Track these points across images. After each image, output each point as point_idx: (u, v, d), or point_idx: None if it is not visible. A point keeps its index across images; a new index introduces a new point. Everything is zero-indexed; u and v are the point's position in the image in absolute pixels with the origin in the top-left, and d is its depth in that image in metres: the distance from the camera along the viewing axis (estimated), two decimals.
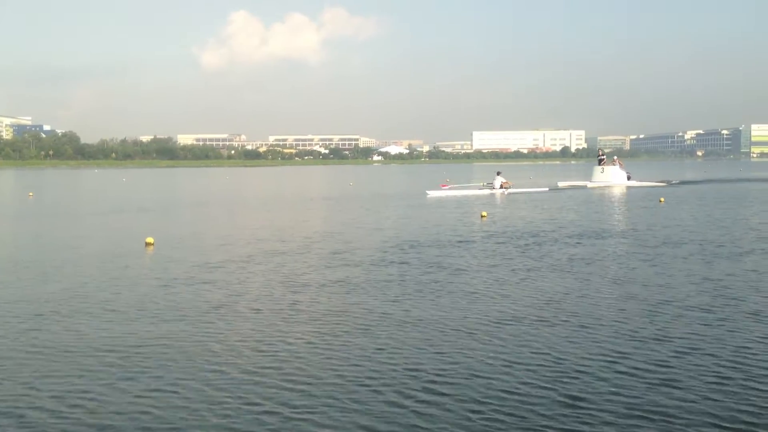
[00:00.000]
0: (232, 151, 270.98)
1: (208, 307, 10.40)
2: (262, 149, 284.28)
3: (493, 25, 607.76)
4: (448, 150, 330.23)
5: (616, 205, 32.65)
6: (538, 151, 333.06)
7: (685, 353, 7.75)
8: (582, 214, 27.04)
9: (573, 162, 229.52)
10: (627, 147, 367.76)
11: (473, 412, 6.15)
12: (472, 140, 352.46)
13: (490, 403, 6.33)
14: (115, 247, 17.69)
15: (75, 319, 9.73)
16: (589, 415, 6.03)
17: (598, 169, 51.38)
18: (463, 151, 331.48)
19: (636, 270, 13.31)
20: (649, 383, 6.78)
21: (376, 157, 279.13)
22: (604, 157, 53.08)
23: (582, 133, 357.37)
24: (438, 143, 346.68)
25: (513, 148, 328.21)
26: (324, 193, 50.05)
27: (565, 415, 6.03)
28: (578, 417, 5.99)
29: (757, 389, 6.59)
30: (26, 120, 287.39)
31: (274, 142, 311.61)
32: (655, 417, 5.96)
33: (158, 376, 7.22)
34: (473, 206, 31.44)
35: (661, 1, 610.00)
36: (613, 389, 6.63)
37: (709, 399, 6.36)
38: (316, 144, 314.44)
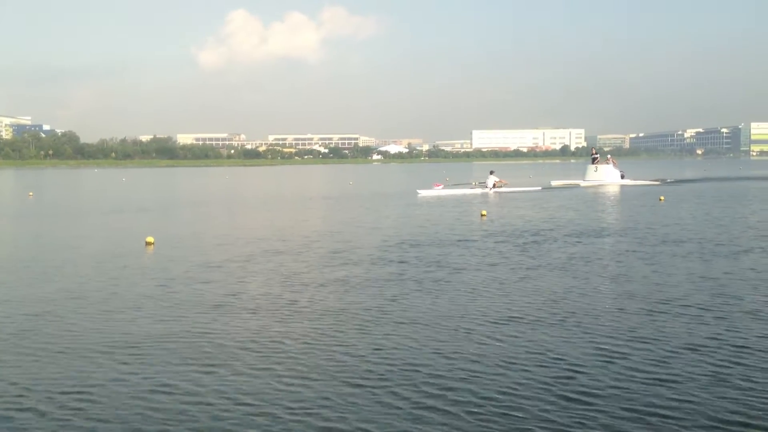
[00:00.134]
0: (232, 151, 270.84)
1: (208, 307, 10.42)
2: (262, 149, 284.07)
3: (493, 24, 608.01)
4: (448, 149, 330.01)
5: (615, 204, 32.64)
6: (537, 149, 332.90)
7: (684, 352, 7.76)
8: (581, 212, 27.05)
9: (573, 161, 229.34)
10: (627, 146, 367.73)
11: (471, 412, 6.17)
12: (471, 139, 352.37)
13: (489, 403, 6.35)
14: (116, 247, 17.71)
15: (74, 319, 9.74)
16: (588, 414, 6.04)
17: (591, 168, 51.18)
18: (462, 150, 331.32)
19: (635, 269, 13.33)
20: (648, 382, 6.79)
21: (375, 157, 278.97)
22: (598, 155, 53.05)
23: (582, 131, 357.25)
24: (437, 142, 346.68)
25: (513, 147, 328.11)
26: (324, 192, 50.06)
27: (563, 415, 6.05)
28: (576, 416, 6.01)
29: (756, 388, 6.59)
30: (26, 120, 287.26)
31: (273, 142, 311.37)
32: (654, 416, 5.98)
33: (157, 375, 7.23)
34: (473, 205, 31.47)
35: (661, 0, 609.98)
36: (612, 388, 6.65)
37: (708, 398, 6.37)
38: (315, 143, 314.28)
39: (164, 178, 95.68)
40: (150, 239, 18.12)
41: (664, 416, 5.97)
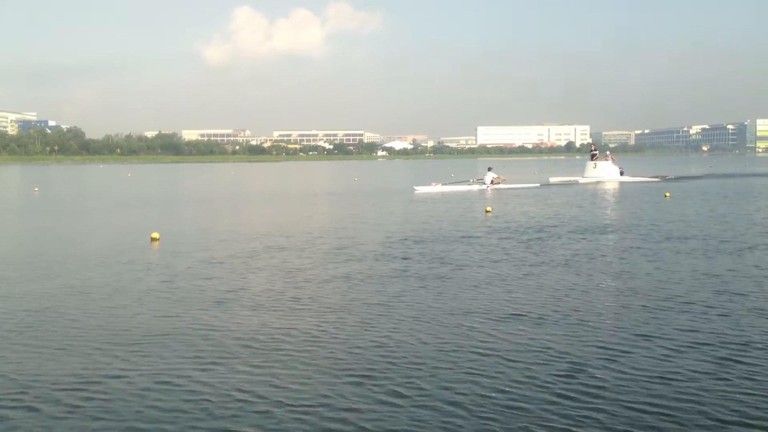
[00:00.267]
0: (237, 147, 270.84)
1: (213, 302, 10.46)
2: (267, 144, 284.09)
3: (497, 19, 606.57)
4: (453, 145, 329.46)
5: (620, 200, 32.56)
6: (542, 146, 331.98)
7: (688, 349, 7.76)
8: (586, 209, 27.03)
9: (578, 157, 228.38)
10: (632, 142, 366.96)
11: (474, 408, 6.18)
12: (476, 135, 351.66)
13: (492, 400, 6.36)
14: (121, 243, 17.77)
15: (78, 315, 9.80)
16: (590, 411, 6.05)
17: (590, 164, 50.95)
18: (467, 147, 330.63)
19: (639, 265, 13.32)
20: (652, 380, 6.80)
21: (380, 153, 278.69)
22: (597, 152, 52.95)
23: (587, 128, 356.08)
24: (442, 138, 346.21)
25: (518, 143, 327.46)
26: (328, 188, 50.10)
27: (566, 411, 6.06)
28: (579, 413, 6.02)
29: (761, 386, 6.59)
30: (31, 115, 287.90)
31: (278, 138, 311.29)
32: (657, 413, 5.99)
33: (161, 371, 7.26)
34: (477, 201, 31.46)
35: None
36: (615, 385, 6.65)
37: (712, 396, 6.37)
38: (320, 139, 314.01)
39: (169, 173, 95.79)
40: (155, 235, 18.17)
41: (667, 414, 5.97)
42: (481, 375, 6.99)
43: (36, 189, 49.50)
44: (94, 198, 41.68)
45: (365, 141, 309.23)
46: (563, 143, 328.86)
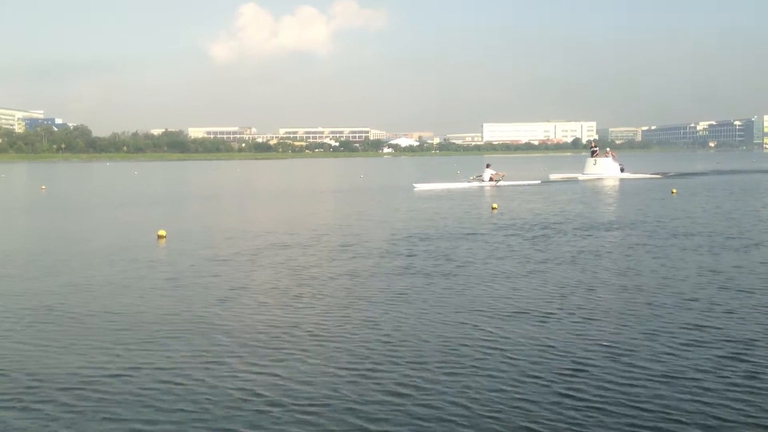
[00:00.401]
0: (243, 144, 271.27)
1: (219, 300, 10.50)
2: (273, 142, 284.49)
3: (505, 15, 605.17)
4: (459, 142, 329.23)
5: (625, 197, 32.44)
6: (549, 142, 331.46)
7: (693, 347, 7.74)
8: (592, 206, 27.01)
9: (584, 153, 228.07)
10: (639, 138, 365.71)
11: (477, 404, 6.20)
12: (482, 132, 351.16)
13: (494, 397, 6.38)
14: (128, 240, 17.86)
15: (83, 312, 9.84)
16: (593, 409, 6.06)
17: (590, 161, 50.62)
18: (473, 143, 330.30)
19: (644, 262, 13.30)
20: (655, 378, 6.79)
21: (386, 150, 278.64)
22: (597, 149, 52.57)
23: (593, 124, 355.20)
24: (448, 135, 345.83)
25: (524, 140, 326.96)
26: (334, 185, 50.14)
27: (569, 408, 6.07)
28: (582, 410, 6.03)
29: (764, 385, 6.58)
30: (38, 113, 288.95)
31: (284, 135, 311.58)
32: (660, 410, 5.99)
33: (164, 369, 7.29)
34: (483, 198, 31.47)
35: None
36: (619, 383, 6.66)
37: (716, 392, 6.37)
38: (326, 136, 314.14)
39: (176, 171, 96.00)
40: (162, 232, 18.26)
41: (671, 410, 5.98)
42: (486, 372, 7.00)
43: (43, 187, 49.69)
44: (101, 196, 41.82)
45: (371, 138, 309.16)
46: (570, 140, 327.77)
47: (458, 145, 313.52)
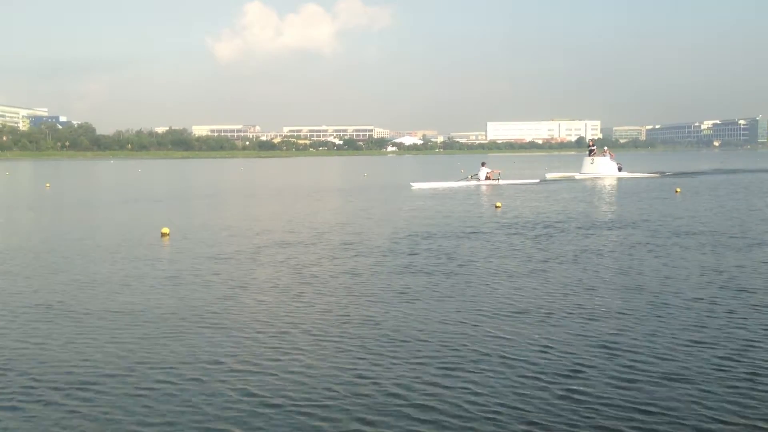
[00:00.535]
0: (247, 142, 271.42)
1: (223, 297, 10.52)
2: (277, 140, 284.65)
3: (510, 14, 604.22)
4: (463, 141, 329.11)
5: (628, 196, 32.39)
6: (553, 141, 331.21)
7: (695, 346, 7.74)
8: (594, 204, 27.00)
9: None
10: (643, 137, 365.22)
11: (477, 404, 6.22)
12: (486, 131, 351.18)
13: (495, 395, 6.39)
14: (131, 238, 17.88)
15: (85, 309, 9.86)
16: (594, 408, 6.07)
17: (588, 160, 50.29)
18: (477, 142, 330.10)
19: (646, 261, 13.28)
20: (656, 376, 6.80)
21: (390, 148, 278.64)
22: (595, 147, 52.06)
23: (597, 123, 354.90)
24: (452, 134, 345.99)
25: (528, 139, 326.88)
26: (338, 184, 50.15)
27: (569, 408, 6.08)
28: (583, 409, 6.04)
29: (765, 384, 6.58)
30: (42, 111, 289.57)
31: (288, 133, 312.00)
32: (661, 410, 5.99)
33: (166, 368, 7.31)
34: (486, 197, 31.46)
35: None
36: (620, 382, 6.66)
37: (716, 393, 6.36)
38: (330, 135, 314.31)
39: (180, 169, 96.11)
40: (165, 230, 18.29)
41: (671, 410, 5.98)
42: (486, 372, 7.01)
43: (47, 184, 49.81)
44: (105, 193, 41.92)
45: (375, 137, 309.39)
46: (574, 138, 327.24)
47: (462, 144, 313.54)
